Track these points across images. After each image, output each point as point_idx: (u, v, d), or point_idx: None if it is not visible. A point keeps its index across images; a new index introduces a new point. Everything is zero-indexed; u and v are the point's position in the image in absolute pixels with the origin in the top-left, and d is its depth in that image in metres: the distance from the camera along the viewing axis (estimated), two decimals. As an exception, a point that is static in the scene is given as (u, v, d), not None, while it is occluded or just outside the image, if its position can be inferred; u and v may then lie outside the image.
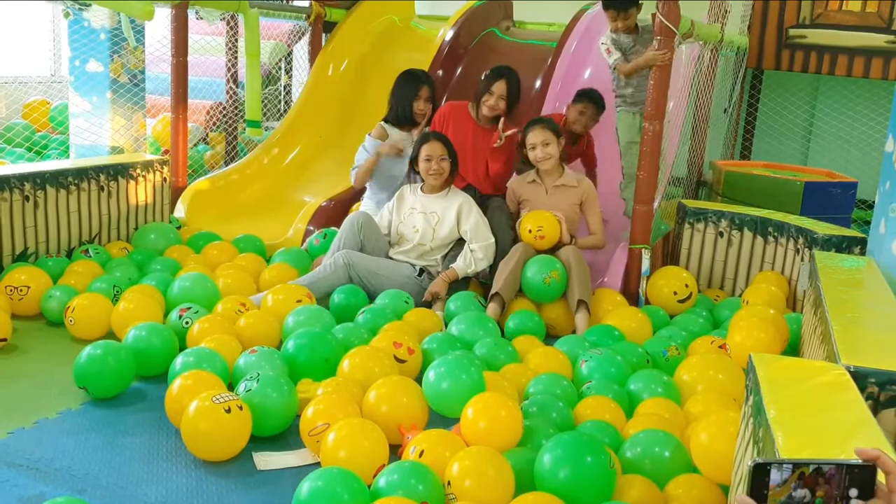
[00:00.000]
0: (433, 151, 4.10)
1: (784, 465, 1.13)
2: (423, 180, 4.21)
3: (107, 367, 2.96)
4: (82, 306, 3.50)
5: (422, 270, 4.14)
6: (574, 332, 3.80)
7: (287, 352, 3.12)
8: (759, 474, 1.12)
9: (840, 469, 1.13)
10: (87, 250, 4.23)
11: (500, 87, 4.33)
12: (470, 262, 4.06)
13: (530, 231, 4.01)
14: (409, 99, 4.58)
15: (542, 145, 4.10)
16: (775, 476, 1.12)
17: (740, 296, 4.18)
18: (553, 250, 4.03)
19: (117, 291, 3.73)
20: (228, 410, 2.56)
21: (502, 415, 2.56)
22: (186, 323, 3.40)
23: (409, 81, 4.63)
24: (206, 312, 3.48)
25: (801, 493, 1.13)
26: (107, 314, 3.51)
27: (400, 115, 4.62)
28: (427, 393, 2.84)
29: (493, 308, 3.83)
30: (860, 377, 2.13)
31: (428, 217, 4.15)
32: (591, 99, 4.63)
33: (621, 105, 4.53)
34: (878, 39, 6.67)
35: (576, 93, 4.73)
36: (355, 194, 5.04)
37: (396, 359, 3.13)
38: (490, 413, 2.56)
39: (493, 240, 4.10)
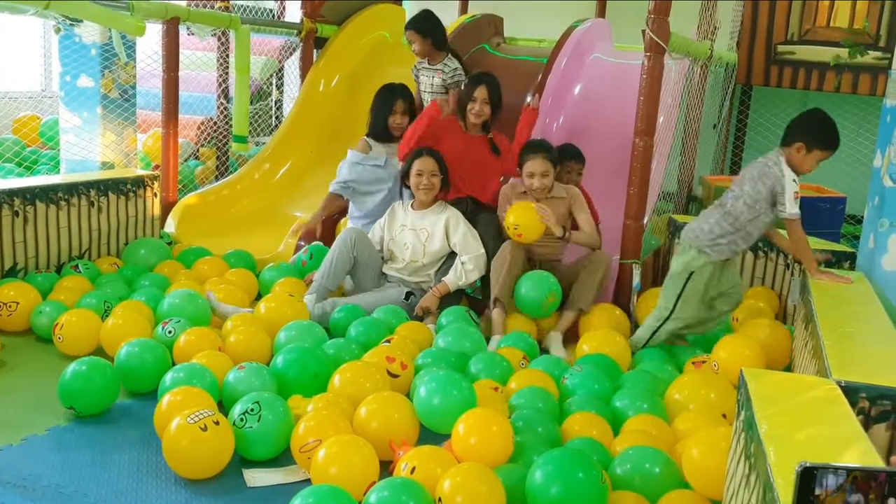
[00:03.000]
0: (424, 167, 4.11)
1: (839, 470, 1.13)
2: (412, 197, 4.22)
3: (91, 383, 2.93)
4: (71, 323, 3.48)
5: (409, 294, 4.14)
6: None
7: (276, 367, 3.11)
8: (807, 479, 1.12)
9: (887, 476, 1.13)
10: (76, 266, 4.21)
11: (481, 92, 4.35)
12: (461, 274, 4.06)
13: (508, 228, 4.01)
14: (384, 113, 4.65)
15: (540, 175, 4.03)
16: (831, 481, 1.13)
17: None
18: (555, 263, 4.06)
19: (107, 307, 3.71)
20: (205, 428, 2.53)
21: (493, 430, 2.55)
22: (170, 333, 3.37)
23: (385, 96, 4.69)
24: (188, 324, 3.46)
25: (856, 497, 1.13)
26: (96, 330, 3.49)
27: (377, 130, 4.69)
28: (418, 409, 2.83)
29: (497, 313, 3.88)
30: (851, 392, 2.13)
31: (418, 233, 4.15)
32: (570, 156, 4.49)
33: (707, 248, 3.46)
34: (866, 55, 6.73)
35: None
36: (346, 210, 5.03)
37: (389, 373, 3.11)
38: (481, 429, 2.55)
39: (482, 251, 4.10)
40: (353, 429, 2.70)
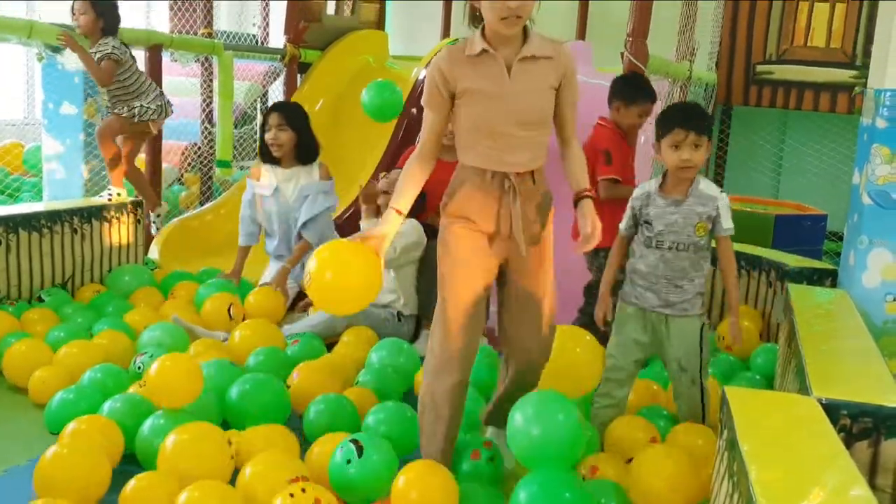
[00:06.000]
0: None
1: None
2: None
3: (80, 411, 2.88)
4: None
5: (400, 314, 4.08)
6: None
7: (231, 399, 3.02)
8: None
9: None
10: (40, 297, 4.13)
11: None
12: None
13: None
14: (262, 130, 4.39)
15: None
16: None
17: (715, 329, 4.18)
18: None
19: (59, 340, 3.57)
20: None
21: (436, 483, 2.38)
22: (139, 367, 3.29)
23: (265, 112, 4.44)
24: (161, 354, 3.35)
25: None
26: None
27: (261, 148, 4.43)
28: (335, 481, 2.49)
29: None
30: (832, 409, 2.14)
31: None
32: (651, 98, 3.74)
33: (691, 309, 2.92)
34: (843, 74, 6.83)
35: (622, 89, 3.77)
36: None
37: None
38: (423, 482, 2.38)
39: None
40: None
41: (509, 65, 2.37)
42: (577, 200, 2.51)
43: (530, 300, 2.56)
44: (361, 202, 4.13)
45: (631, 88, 3.72)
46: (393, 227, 2.44)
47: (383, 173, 4.31)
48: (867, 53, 6.70)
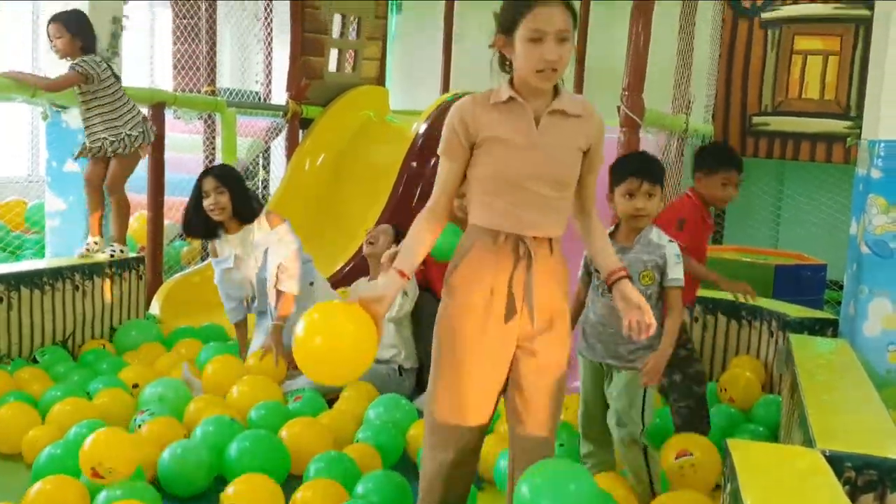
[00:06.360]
0: None
1: None
2: None
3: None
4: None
5: (401, 369, 4.07)
6: None
7: (230, 457, 3.00)
8: None
9: None
10: (34, 357, 4.11)
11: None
12: None
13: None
14: (198, 203, 4.08)
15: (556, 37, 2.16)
16: None
17: (717, 381, 4.16)
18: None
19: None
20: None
21: None
22: (139, 426, 3.25)
23: (194, 185, 4.16)
24: (165, 413, 3.34)
25: None
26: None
27: (198, 229, 4.19)
28: None
29: None
30: (836, 462, 2.13)
31: None
32: (735, 166, 3.52)
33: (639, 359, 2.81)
34: (838, 125, 6.90)
35: (704, 157, 3.57)
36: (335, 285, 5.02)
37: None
38: None
39: None
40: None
41: (538, 116, 2.25)
42: (613, 283, 2.33)
43: (540, 389, 2.31)
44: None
45: (712, 156, 3.56)
46: (394, 290, 2.26)
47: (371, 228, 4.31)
48: (861, 104, 6.79)
